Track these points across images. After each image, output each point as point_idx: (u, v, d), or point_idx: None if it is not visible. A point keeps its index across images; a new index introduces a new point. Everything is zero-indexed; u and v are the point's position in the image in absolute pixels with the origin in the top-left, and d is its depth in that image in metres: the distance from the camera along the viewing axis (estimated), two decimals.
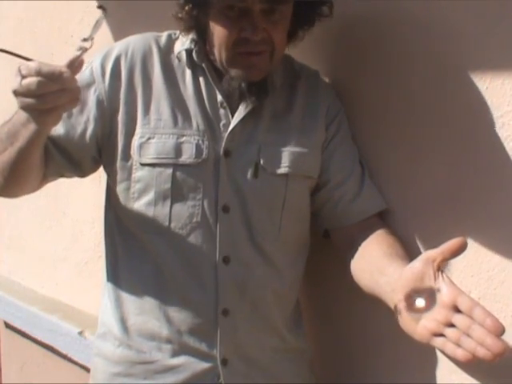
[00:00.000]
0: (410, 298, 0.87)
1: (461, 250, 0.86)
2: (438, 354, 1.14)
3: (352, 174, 1.17)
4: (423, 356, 1.16)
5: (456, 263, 1.10)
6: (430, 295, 0.86)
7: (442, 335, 0.85)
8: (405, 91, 1.15)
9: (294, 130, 1.14)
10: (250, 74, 1.06)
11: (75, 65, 0.88)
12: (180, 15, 1.07)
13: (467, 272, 1.07)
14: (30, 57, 0.88)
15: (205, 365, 1.12)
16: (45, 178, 1.12)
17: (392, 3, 1.15)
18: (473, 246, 1.07)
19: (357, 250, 1.11)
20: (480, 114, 1.05)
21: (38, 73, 0.84)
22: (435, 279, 0.86)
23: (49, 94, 0.85)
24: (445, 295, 0.84)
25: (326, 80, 1.24)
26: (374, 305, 1.16)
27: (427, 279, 0.87)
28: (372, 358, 1.27)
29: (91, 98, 1.09)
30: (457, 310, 0.84)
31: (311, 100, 1.17)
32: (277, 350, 1.18)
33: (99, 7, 1.02)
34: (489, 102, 1.03)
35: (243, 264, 1.11)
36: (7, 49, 2.17)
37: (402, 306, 0.89)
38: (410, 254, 1.11)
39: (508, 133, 1.02)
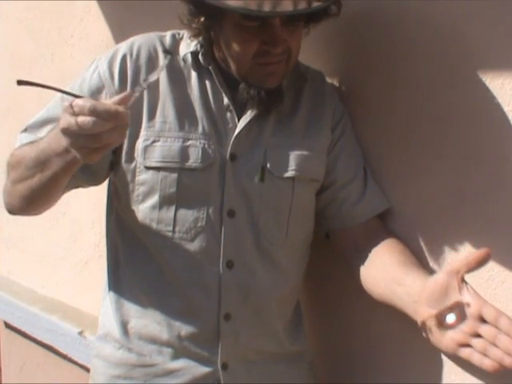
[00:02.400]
0: (441, 315, 0.87)
1: (485, 260, 0.85)
2: (438, 354, 1.14)
3: (357, 174, 1.17)
4: (423, 356, 1.16)
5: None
6: (460, 310, 0.85)
7: (468, 346, 0.85)
8: (406, 92, 1.15)
9: (300, 132, 1.13)
10: (268, 82, 1.05)
11: (129, 102, 0.85)
12: (194, 25, 1.05)
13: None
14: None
15: (205, 369, 1.12)
16: (62, 193, 1.12)
17: (394, 3, 1.15)
18: (473, 246, 1.08)
19: (365, 256, 1.11)
20: (480, 114, 1.05)
21: (93, 112, 0.80)
22: (460, 290, 0.86)
23: (102, 133, 0.82)
24: (470, 306, 0.84)
25: (329, 81, 1.24)
26: (374, 305, 1.16)
27: (451, 291, 0.86)
28: (372, 358, 1.27)
29: None
30: (482, 320, 0.84)
31: (317, 102, 1.17)
32: (276, 353, 1.17)
33: (165, 51, 1.01)
34: (489, 102, 1.03)
35: (247, 268, 1.11)
36: (7, 49, 2.17)
37: (432, 323, 0.89)
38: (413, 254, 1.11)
39: (509, 133, 1.02)
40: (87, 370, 1.66)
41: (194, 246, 1.08)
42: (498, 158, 1.03)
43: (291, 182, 1.11)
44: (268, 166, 1.09)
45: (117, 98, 0.85)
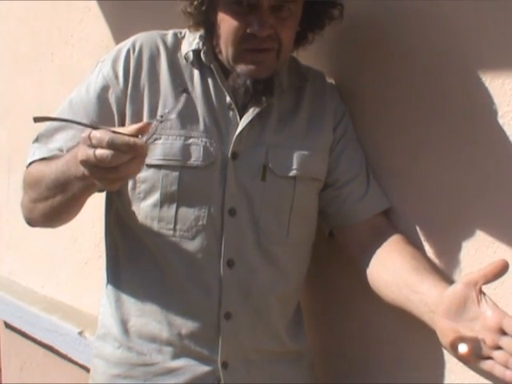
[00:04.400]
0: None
1: (503, 271, 0.85)
2: (438, 354, 1.14)
3: (360, 173, 1.17)
4: (423, 356, 1.16)
5: (456, 263, 1.10)
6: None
7: (489, 358, 0.85)
8: (406, 91, 1.15)
9: (301, 132, 1.13)
10: (256, 70, 1.05)
11: (149, 135, 0.84)
12: (189, 10, 1.06)
13: (467, 272, 1.07)
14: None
15: (205, 368, 1.12)
16: None
17: (394, 3, 1.15)
18: (473, 245, 1.08)
19: (374, 256, 1.10)
20: (480, 114, 1.05)
21: (111, 145, 0.79)
22: (478, 302, 0.85)
23: (121, 165, 0.81)
24: (490, 318, 0.84)
25: (329, 81, 1.24)
26: (374, 305, 1.16)
27: (470, 302, 0.86)
28: (372, 358, 1.27)
29: (110, 103, 1.09)
30: (503, 332, 0.83)
31: (318, 102, 1.17)
32: (277, 352, 1.17)
33: (183, 91, 1.01)
34: (489, 102, 1.03)
35: (248, 267, 1.11)
36: (8, 49, 2.18)
37: (436, 318, 0.90)
38: None
39: (508, 133, 1.02)
40: (87, 370, 1.67)
41: (194, 245, 1.08)
42: (498, 157, 1.03)
43: (292, 182, 1.11)
44: (269, 165, 1.10)
45: (134, 127, 0.84)
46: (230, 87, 1.08)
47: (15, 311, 2.17)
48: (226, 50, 1.05)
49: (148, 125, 0.85)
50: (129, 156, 0.81)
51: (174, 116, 0.93)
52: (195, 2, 1.05)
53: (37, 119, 0.83)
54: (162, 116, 0.90)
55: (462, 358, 0.87)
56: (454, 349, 0.88)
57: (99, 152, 0.80)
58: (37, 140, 1.12)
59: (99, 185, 0.88)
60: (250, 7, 1.00)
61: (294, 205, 1.12)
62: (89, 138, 0.82)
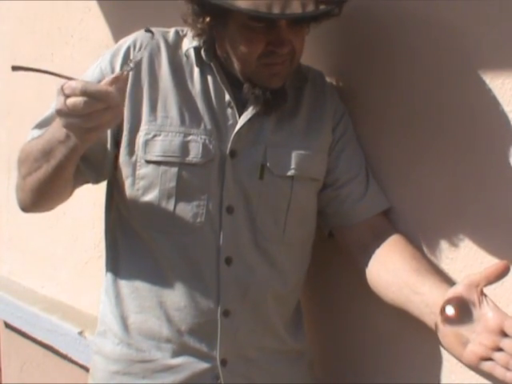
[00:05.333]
0: (443, 311, 0.88)
1: (504, 273, 0.85)
2: (438, 353, 1.14)
3: (359, 173, 1.17)
4: (423, 356, 1.17)
5: (456, 263, 1.10)
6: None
7: (489, 359, 0.85)
8: (406, 91, 1.15)
9: (300, 132, 1.14)
10: (273, 82, 1.06)
11: (120, 81, 0.87)
12: (199, 25, 1.06)
13: (467, 272, 1.07)
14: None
15: (204, 365, 1.12)
16: (73, 189, 1.13)
17: (394, 3, 1.15)
18: (473, 246, 1.08)
19: (374, 256, 1.11)
20: (480, 114, 1.05)
21: (84, 92, 0.83)
22: (480, 304, 0.85)
23: (94, 112, 0.84)
24: (491, 320, 0.84)
25: (329, 80, 1.24)
26: (373, 305, 1.16)
27: (471, 304, 0.86)
28: (372, 358, 1.27)
29: None
30: (504, 333, 0.83)
31: (317, 102, 1.17)
32: (276, 351, 1.18)
33: (147, 31, 1.04)
34: (489, 102, 1.03)
35: (246, 265, 1.11)
36: (8, 49, 2.17)
37: (438, 320, 0.89)
38: None
39: (508, 132, 1.02)
40: (87, 369, 1.66)
41: (192, 242, 1.09)
42: (498, 157, 1.03)
43: (290, 181, 1.11)
44: (268, 164, 1.10)
45: (108, 79, 0.87)
46: (245, 96, 1.08)
47: (15, 311, 2.17)
48: (241, 64, 1.05)
49: (121, 74, 0.88)
50: (102, 104, 0.84)
51: (140, 57, 0.99)
52: (207, 19, 1.04)
53: (15, 68, 0.88)
54: (131, 60, 0.96)
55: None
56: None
57: (71, 100, 0.84)
58: (35, 127, 1.14)
59: (76, 140, 0.91)
60: (268, 24, 1.00)
61: (291, 204, 1.12)
62: (62, 88, 0.85)
